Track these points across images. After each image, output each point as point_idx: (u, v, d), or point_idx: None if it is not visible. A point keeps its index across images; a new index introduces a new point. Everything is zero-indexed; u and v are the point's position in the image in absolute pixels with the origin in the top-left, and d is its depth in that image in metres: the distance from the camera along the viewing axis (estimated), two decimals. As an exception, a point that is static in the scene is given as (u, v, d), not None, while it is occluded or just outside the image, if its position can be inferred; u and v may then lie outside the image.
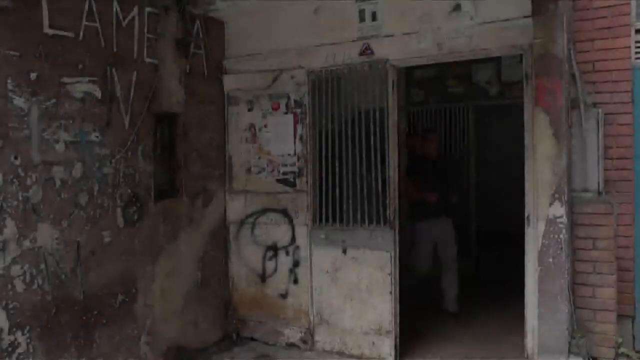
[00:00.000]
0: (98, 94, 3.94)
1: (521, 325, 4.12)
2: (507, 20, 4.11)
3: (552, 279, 3.67)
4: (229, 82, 5.28)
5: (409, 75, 7.64)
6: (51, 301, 3.58)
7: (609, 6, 4.55)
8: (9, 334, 3.30)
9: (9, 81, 3.33)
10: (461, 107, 7.67)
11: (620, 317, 4.34)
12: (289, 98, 5.01)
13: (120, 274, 4.14)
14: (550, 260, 3.69)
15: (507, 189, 7.48)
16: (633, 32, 4.57)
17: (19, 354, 3.36)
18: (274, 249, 5.12)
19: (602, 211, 4.07)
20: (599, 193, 4.22)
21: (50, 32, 3.59)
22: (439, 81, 7.60)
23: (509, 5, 4.07)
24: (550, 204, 3.63)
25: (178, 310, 4.70)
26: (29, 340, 3.42)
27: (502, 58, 6.88)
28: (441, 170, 5.87)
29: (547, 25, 3.66)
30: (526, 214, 3.99)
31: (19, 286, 3.38)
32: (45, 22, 3.55)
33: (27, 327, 3.42)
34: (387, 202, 4.59)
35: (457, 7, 4.31)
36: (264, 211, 5.15)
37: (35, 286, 3.48)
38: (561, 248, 3.64)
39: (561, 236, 3.65)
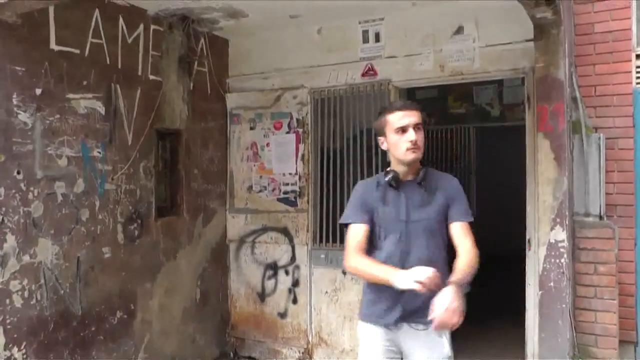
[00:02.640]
0: (102, 110, 3.96)
1: (521, 349, 4.08)
2: (509, 43, 4.16)
3: (553, 304, 3.64)
4: (232, 100, 5.30)
5: (410, 96, 7.67)
6: (49, 317, 3.57)
7: (610, 31, 4.58)
8: (5, 350, 3.27)
9: (14, 96, 3.35)
10: (462, 128, 7.69)
11: (622, 342, 4.30)
12: (291, 117, 5.02)
13: (119, 290, 4.12)
14: (551, 284, 3.66)
15: (508, 210, 7.51)
16: (634, 57, 4.59)
17: (15, 370, 3.34)
18: (273, 267, 5.11)
19: (604, 236, 4.06)
20: (601, 217, 4.21)
21: (57, 48, 3.62)
22: (440, 102, 7.62)
23: (511, 29, 4.11)
24: (552, 228, 3.61)
25: (176, 326, 4.67)
26: (25, 356, 3.39)
27: (504, 80, 6.91)
28: (428, 203, 2.67)
29: (549, 50, 3.67)
30: (527, 238, 3.98)
31: (17, 301, 3.37)
32: (52, 38, 3.59)
33: (24, 343, 3.40)
34: (388, 222, 4.57)
35: (459, 30, 4.36)
36: (265, 230, 5.14)
37: (33, 301, 3.46)
38: (562, 272, 3.62)
39: (562, 261, 3.63)
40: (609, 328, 4.10)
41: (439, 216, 2.66)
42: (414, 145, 2.60)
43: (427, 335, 2.56)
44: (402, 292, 2.46)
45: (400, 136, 2.62)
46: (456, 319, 2.27)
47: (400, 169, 2.69)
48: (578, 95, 4.28)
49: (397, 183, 2.66)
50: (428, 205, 2.65)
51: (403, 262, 2.57)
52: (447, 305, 2.25)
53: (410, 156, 2.61)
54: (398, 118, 2.63)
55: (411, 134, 2.59)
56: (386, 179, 2.68)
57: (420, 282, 2.33)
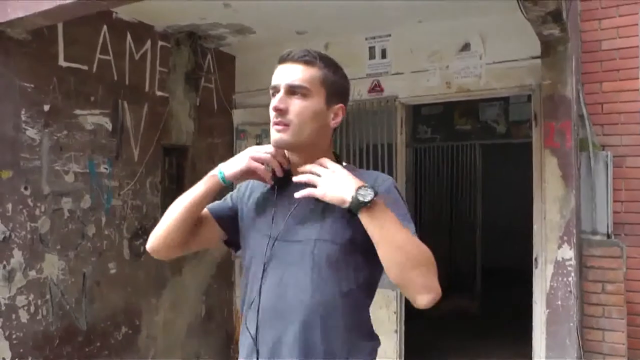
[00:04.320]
0: (109, 126, 3.98)
1: (528, 368, 4.05)
2: (516, 60, 4.15)
3: (561, 323, 3.61)
4: (238, 116, 5.31)
5: (416, 112, 7.70)
6: (54, 332, 3.56)
7: (617, 48, 4.57)
8: (10, 365, 3.27)
9: (22, 112, 3.37)
10: (468, 145, 7.68)
11: (630, 362, 4.26)
12: (297, 133, 5.01)
13: (125, 305, 4.11)
14: (559, 303, 3.63)
15: (513, 227, 7.50)
16: (642, 75, 4.59)
17: (20, 386, 3.33)
18: (278, 283, 5.08)
19: (612, 254, 4.03)
20: (608, 236, 4.19)
21: (65, 64, 3.64)
22: (446, 118, 7.63)
23: (518, 46, 4.11)
24: (559, 247, 3.59)
25: (181, 342, 4.65)
26: (30, 372, 3.39)
27: (510, 97, 6.92)
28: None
29: (556, 67, 3.67)
30: (534, 256, 3.95)
31: (23, 316, 3.37)
32: (61, 54, 3.62)
33: (30, 358, 3.39)
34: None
35: (466, 46, 4.36)
36: (270, 245, 5.11)
37: (39, 316, 3.46)
38: (570, 291, 3.59)
39: (570, 279, 3.61)
40: (617, 347, 4.06)
41: (339, 239, 1.54)
42: (277, 116, 1.58)
43: None
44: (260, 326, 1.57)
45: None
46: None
47: (292, 157, 1.67)
48: (585, 113, 4.28)
49: (282, 179, 1.66)
50: (318, 221, 1.57)
51: (260, 310, 1.58)
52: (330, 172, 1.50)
53: (273, 135, 1.59)
54: (274, 75, 1.66)
55: (274, 99, 1.60)
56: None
57: (257, 158, 1.63)
